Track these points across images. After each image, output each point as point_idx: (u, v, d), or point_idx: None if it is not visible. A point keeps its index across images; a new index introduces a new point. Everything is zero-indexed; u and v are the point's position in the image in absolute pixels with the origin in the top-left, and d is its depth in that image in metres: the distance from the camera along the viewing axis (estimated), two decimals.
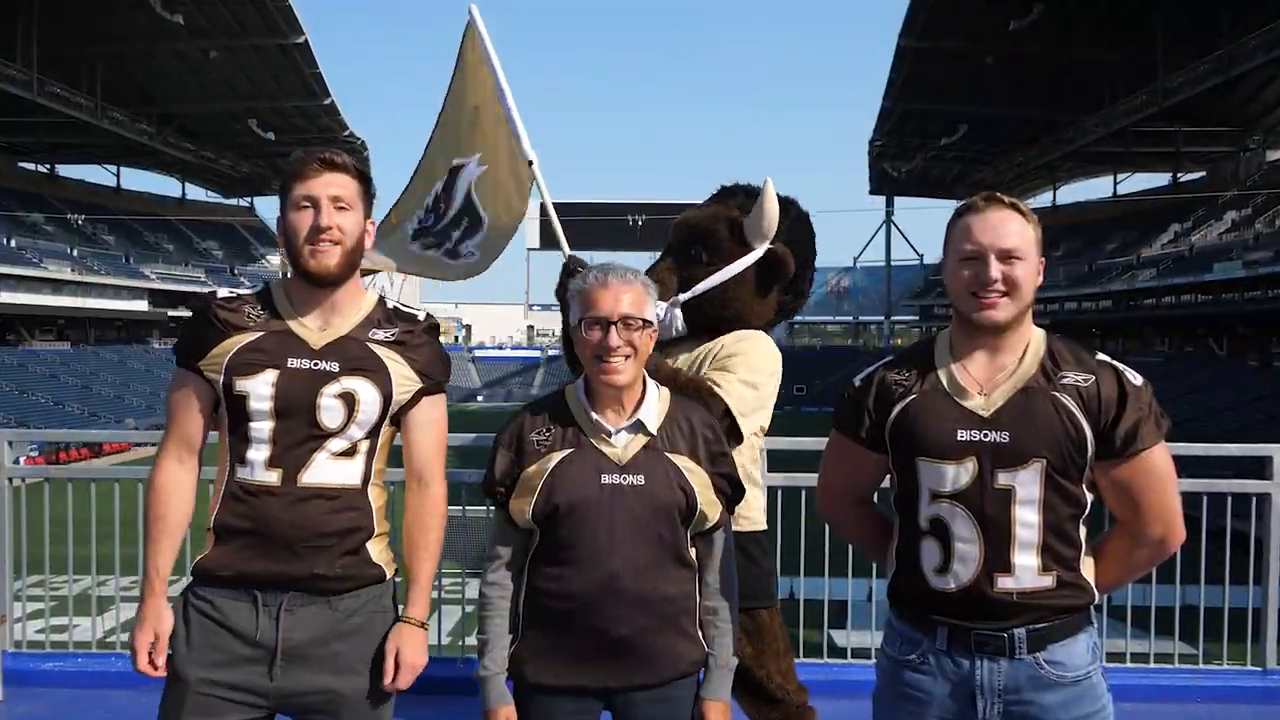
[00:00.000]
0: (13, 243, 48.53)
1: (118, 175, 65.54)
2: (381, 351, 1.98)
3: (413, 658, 1.99)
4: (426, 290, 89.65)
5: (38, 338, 51.26)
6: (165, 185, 69.90)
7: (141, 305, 56.71)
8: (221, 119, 58.03)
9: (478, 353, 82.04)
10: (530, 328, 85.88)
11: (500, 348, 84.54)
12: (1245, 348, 42.68)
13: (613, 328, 1.93)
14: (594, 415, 1.99)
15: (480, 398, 71.92)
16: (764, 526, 2.77)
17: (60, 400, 43.56)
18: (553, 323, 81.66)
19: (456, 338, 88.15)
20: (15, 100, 44.49)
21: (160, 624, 1.91)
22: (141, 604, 1.94)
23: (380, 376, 1.96)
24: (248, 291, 2.03)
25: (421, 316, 2.09)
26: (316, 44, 49.29)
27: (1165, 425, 1.80)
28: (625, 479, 1.94)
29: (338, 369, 1.94)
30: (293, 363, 1.92)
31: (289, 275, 2.02)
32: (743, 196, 2.87)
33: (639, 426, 1.99)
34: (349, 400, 1.93)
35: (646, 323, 1.97)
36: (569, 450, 1.97)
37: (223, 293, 2.02)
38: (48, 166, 60.77)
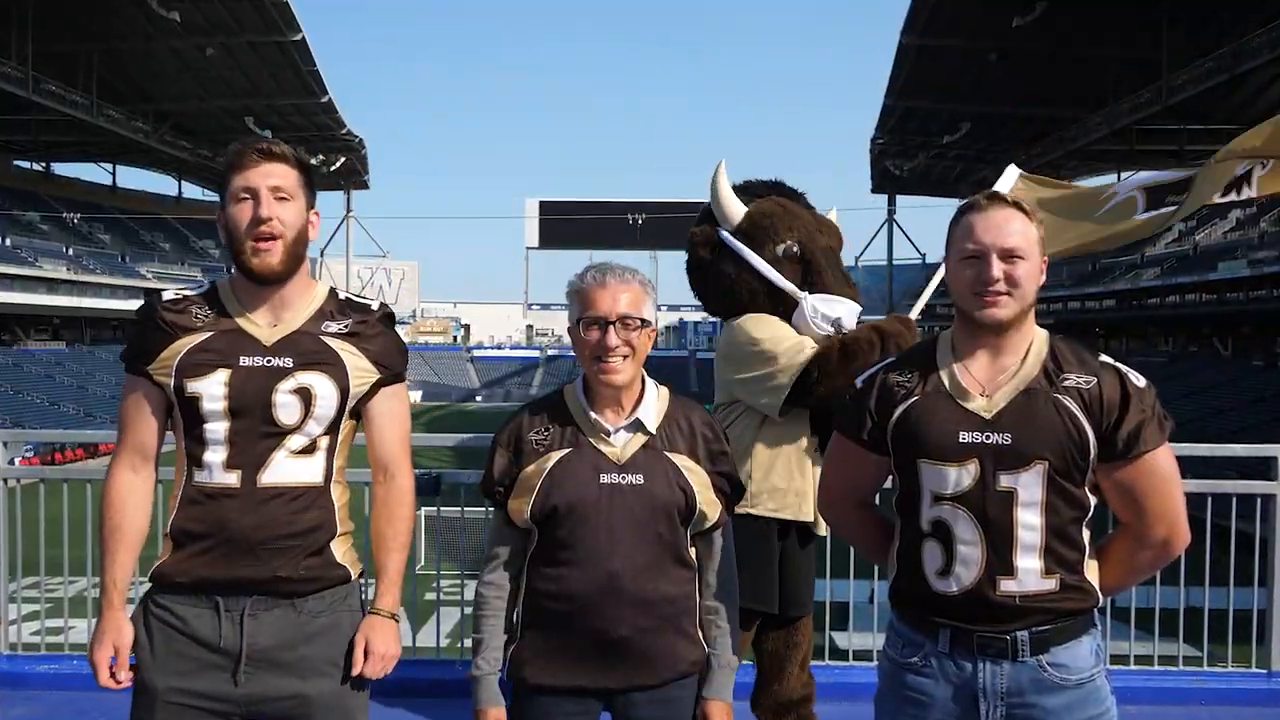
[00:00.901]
0: (8, 241, 48.52)
1: (114, 173, 65.55)
2: (335, 344, 1.95)
3: (383, 648, 1.96)
4: (425, 289, 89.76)
5: (33, 337, 51.29)
6: (162, 184, 69.82)
7: (138, 304, 56.47)
8: (218, 117, 57.97)
9: (476, 353, 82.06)
10: (529, 327, 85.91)
11: (499, 348, 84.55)
12: (1250, 347, 42.67)
13: (611, 328, 1.93)
14: (593, 415, 1.99)
15: (479, 398, 71.93)
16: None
17: (56, 400, 43.57)
18: (552, 322, 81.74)
19: (455, 337, 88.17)
20: (10, 98, 44.48)
21: (120, 637, 1.89)
22: (100, 618, 1.91)
23: (336, 369, 1.93)
24: (194, 292, 1.99)
25: (375, 306, 2.06)
26: (314, 41, 49.31)
27: (1169, 427, 1.80)
28: (624, 478, 1.95)
29: (291, 364, 1.90)
30: (245, 361, 1.89)
31: (234, 273, 1.99)
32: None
33: (638, 426, 1.99)
34: (305, 395, 1.90)
35: (645, 322, 1.98)
36: (567, 450, 1.97)
37: (168, 294, 1.98)
38: (43, 165, 60.77)
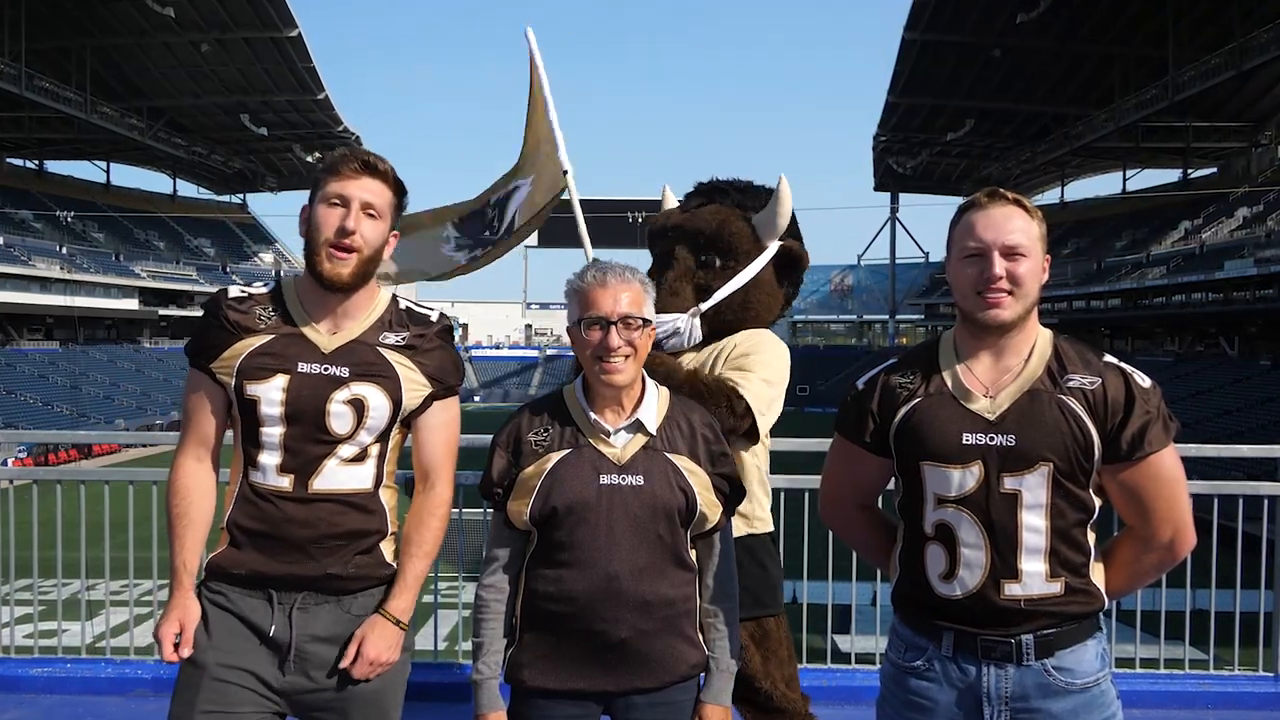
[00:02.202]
0: (0, 240, 48.50)
1: (107, 171, 65.58)
2: (392, 356, 2.00)
3: (376, 653, 1.97)
4: (421, 288, 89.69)
5: (26, 337, 51.26)
6: (156, 181, 69.93)
7: (132, 304, 56.73)
8: (213, 113, 58.02)
9: (475, 352, 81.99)
10: (528, 327, 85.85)
11: (498, 347, 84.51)
12: (1257, 347, 42.66)
13: (612, 328, 1.93)
14: (592, 415, 1.99)
15: (477, 398, 71.89)
16: (773, 529, 2.77)
17: (49, 401, 43.53)
18: (551, 322, 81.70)
19: (453, 337, 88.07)
20: (3, 95, 44.48)
21: (187, 616, 1.94)
22: (170, 597, 1.96)
23: (390, 383, 1.98)
24: (259, 290, 2.04)
25: (434, 317, 2.10)
26: (310, 37, 49.30)
27: (1174, 428, 1.80)
28: (624, 479, 1.95)
29: (347, 374, 1.95)
30: (303, 367, 1.94)
31: (301, 274, 2.03)
32: (737, 194, 2.87)
33: (638, 426, 1.99)
34: (358, 406, 1.95)
35: (646, 321, 1.98)
36: (567, 450, 1.97)
37: (234, 292, 2.03)
38: (36, 162, 60.74)
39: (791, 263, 2.84)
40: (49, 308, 50.30)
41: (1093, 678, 1.82)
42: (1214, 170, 56.50)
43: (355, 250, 1.94)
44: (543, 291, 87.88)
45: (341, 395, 1.94)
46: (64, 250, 53.06)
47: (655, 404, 2.03)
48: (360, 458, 1.97)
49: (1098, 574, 1.86)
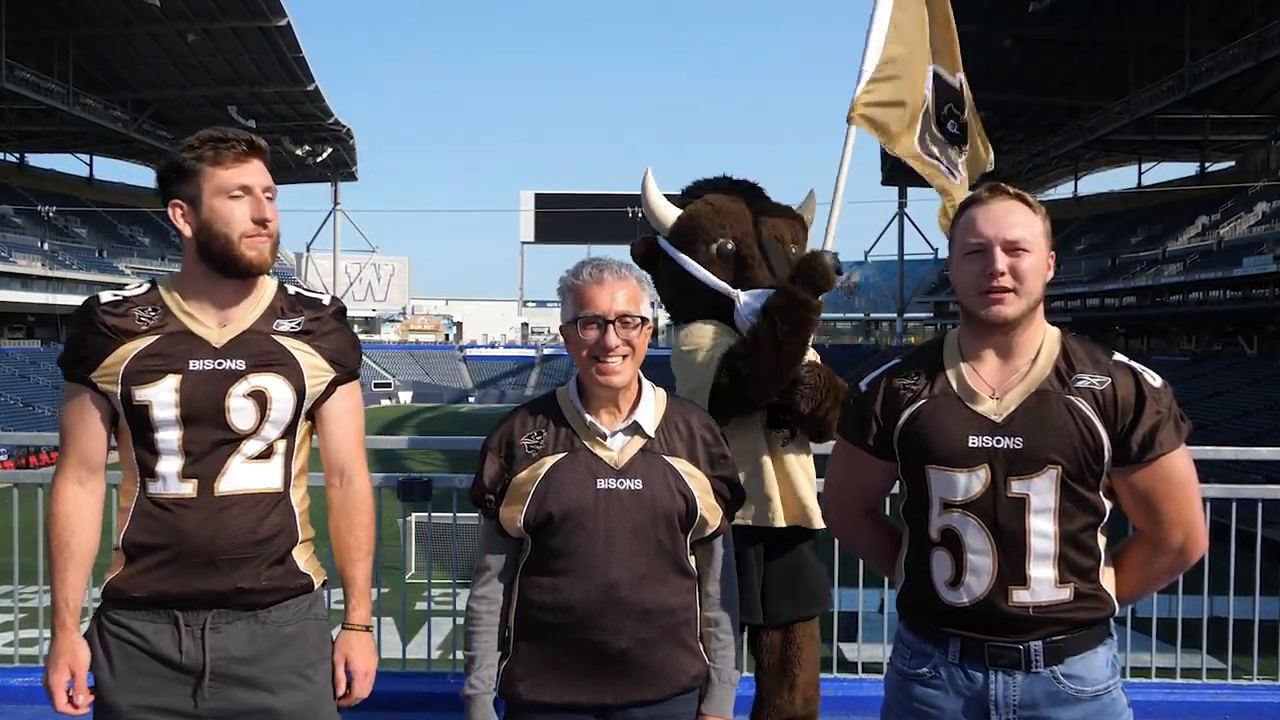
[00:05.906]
0: None
1: (90, 165, 65.66)
2: (288, 343, 1.95)
3: (363, 664, 1.99)
4: (416, 285, 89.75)
5: (7, 336, 51.27)
6: (141, 175, 70.04)
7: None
8: (200, 105, 58.02)
9: (469, 352, 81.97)
10: (524, 325, 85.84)
11: (493, 346, 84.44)
12: (1276, 347, 42.65)
13: (610, 327, 1.93)
14: (588, 417, 1.98)
15: (472, 399, 71.89)
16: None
17: (30, 402, 43.51)
18: (548, 320, 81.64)
19: (447, 336, 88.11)
20: None
21: (75, 660, 1.88)
22: (53, 641, 1.90)
23: (290, 370, 1.93)
24: (134, 292, 1.96)
25: (326, 300, 2.07)
26: (299, 27, 49.35)
27: (1186, 428, 1.80)
28: (622, 483, 1.94)
29: (244, 366, 1.89)
30: (195, 365, 1.87)
31: (184, 269, 1.96)
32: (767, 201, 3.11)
33: (635, 428, 1.99)
34: (260, 399, 1.90)
35: (644, 320, 1.98)
36: (562, 454, 1.97)
37: (106, 296, 1.94)
38: (17, 156, 60.78)
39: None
40: (31, 306, 50.29)
41: (1103, 685, 1.82)
42: (1232, 164, 56.48)
43: (270, 236, 1.92)
44: (539, 289, 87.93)
45: (240, 389, 1.88)
46: (46, 246, 53.04)
47: (653, 405, 2.02)
48: (266, 454, 1.91)
49: (1108, 579, 1.86)
